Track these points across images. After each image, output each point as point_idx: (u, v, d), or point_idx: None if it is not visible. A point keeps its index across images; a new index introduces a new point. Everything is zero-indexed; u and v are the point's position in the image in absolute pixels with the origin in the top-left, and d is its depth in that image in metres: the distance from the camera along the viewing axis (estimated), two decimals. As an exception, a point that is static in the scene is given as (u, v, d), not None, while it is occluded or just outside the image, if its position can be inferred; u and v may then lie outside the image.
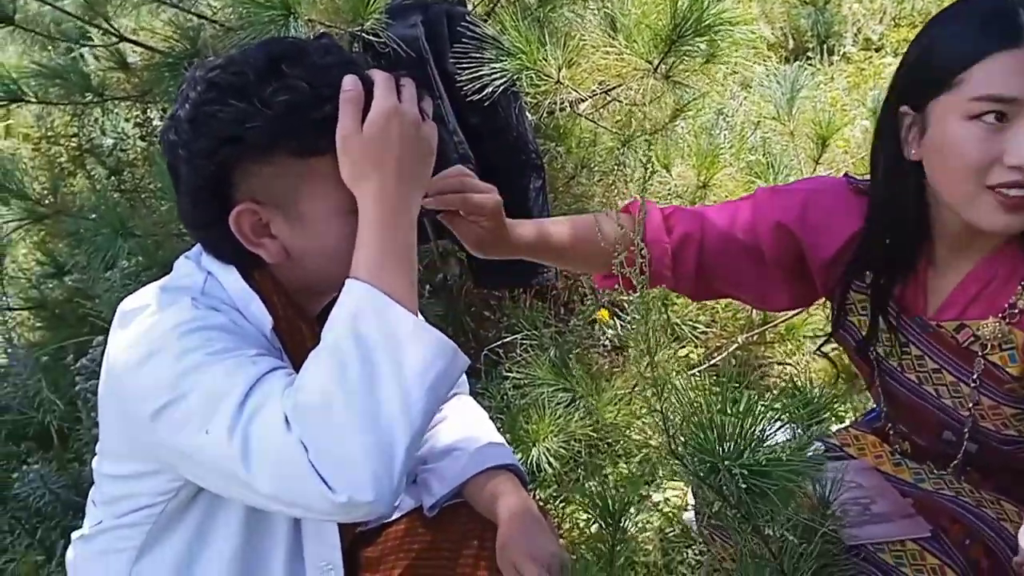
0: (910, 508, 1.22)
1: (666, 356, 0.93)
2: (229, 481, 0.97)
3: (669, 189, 2.52)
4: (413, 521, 1.33)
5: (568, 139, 2.47)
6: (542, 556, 1.17)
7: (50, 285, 2.64)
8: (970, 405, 1.22)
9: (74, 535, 1.27)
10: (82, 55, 2.68)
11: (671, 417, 0.85)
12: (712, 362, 2.30)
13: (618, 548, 0.99)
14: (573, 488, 2.09)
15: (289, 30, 1.47)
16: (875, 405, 1.44)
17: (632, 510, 0.99)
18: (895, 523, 1.19)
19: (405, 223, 1.03)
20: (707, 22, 1.68)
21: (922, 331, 1.24)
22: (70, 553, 1.26)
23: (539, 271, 1.88)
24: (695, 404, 0.84)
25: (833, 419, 1.65)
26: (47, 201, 2.28)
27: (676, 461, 0.84)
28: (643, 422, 2.18)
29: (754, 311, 2.40)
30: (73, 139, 3.06)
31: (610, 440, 2.15)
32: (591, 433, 1.99)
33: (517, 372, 1.97)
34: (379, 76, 1.06)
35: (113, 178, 2.91)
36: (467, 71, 1.58)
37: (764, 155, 2.63)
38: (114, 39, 2.37)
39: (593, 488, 1.94)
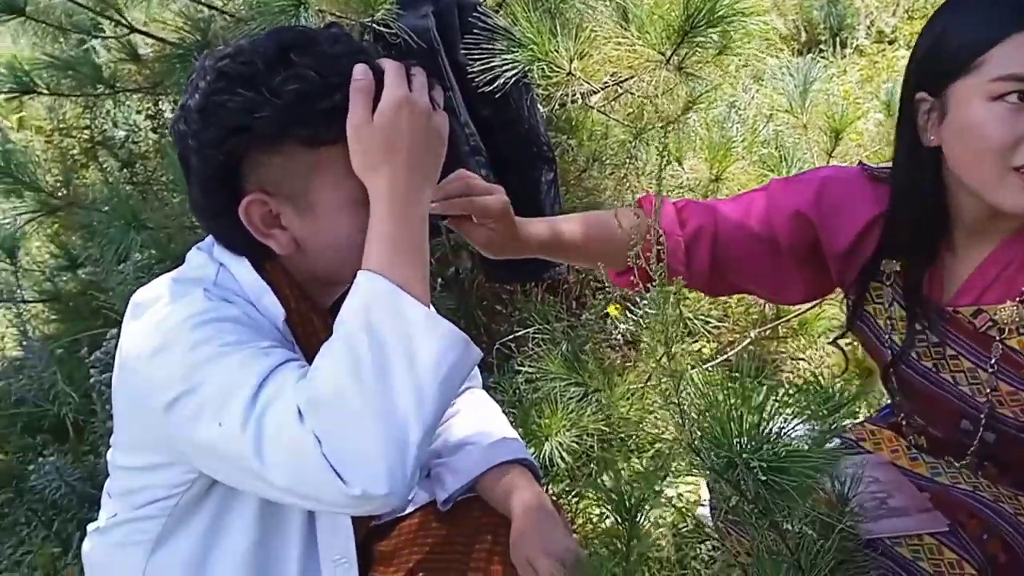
0: (927, 502, 1.22)
1: (679, 350, 0.92)
2: (243, 473, 0.97)
3: (681, 182, 2.51)
4: (427, 515, 1.32)
5: (580, 132, 2.45)
6: (556, 551, 1.16)
7: (64, 278, 2.66)
8: (988, 391, 1.21)
9: (90, 527, 1.27)
10: (94, 47, 2.68)
11: (688, 411, 0.84)
12: (724, 357, 2.28)
13: (633, 544, 0.98)
14: (586, 483, 2.08)
15: (300, 20, 1.47)
16: (890, 399, 1.43)
17: (647, 506, 0.98)
18: (913, 517, 1.18)
19: (416, 214, 1.03)
20: (720, 13, 1.66)
21: (939, 318, 1.23)
22: (86, 545, 1.26)
23: (551, 265, 1.87)
24: (712, 398, 0.83)
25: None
26: (60, 193, 2.29)
27: (693, 455, 0.83)
28: (656, 416, 2.18)
29: (767, 306, 2.39)
30: (85, 131, 3.07)
31: (623, 435, 2.14)
32: (604, 428, 1.98)
33: (529, 366, 1.97)
34: (389, 65, 1.05)
35: (125, 170, 2.92)
36: (478, 62, 1.57)
37: (777, 148, 2.62)
38: (125, 31, 2.37)
39: (608, 483, 1.94)
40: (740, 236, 1.31)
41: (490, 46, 1.56)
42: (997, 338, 1.19)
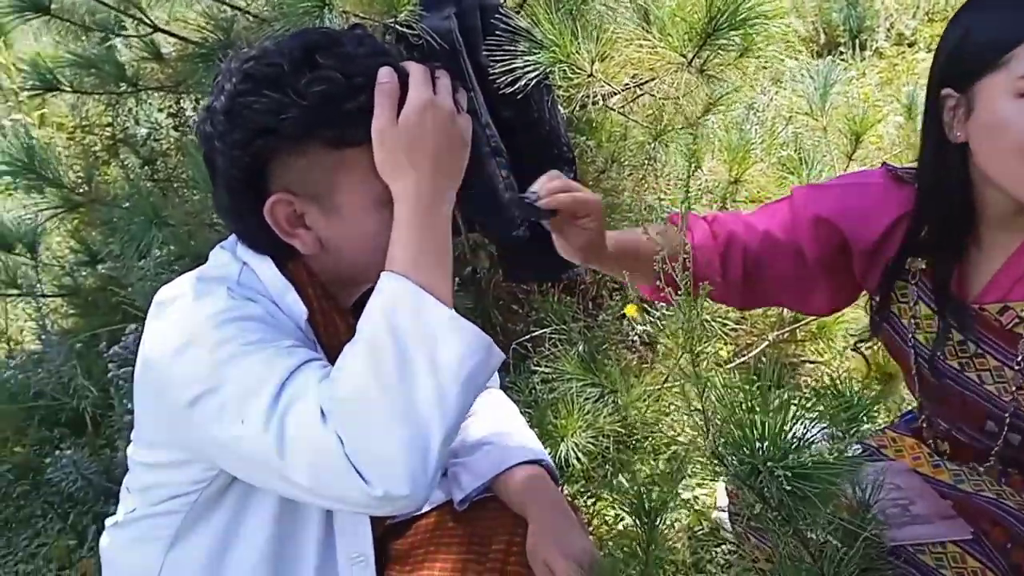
0: (951, 510, 1.21)
1: (699, 353, 0.92)
2: (265, 472, 0.98)
3: (700, 185, 2.51)
4: (443, 514, 1.33)
5: (599, 133, 2.45)
6: (573, 552, 1.16)
7: (83, 273, 2.68)
8: (1013, 389, 1.20)
9: (108, 522, 1.28)
10: (116, 45, 2.70)
11: (711, 417, 0.84)
12: (742, 360, 2.28)
13: (652, 548, 0.98)
14: (602, 484, 2.08)
15: (324, 21, 1.47)
16: (912, 399, 1.42)
17: (667, 509, 0.98)
18: (935, 524, 1.18)
19: (440, 216, 1.03)
20: (742, 15, 1.65)
21: (965, 315, 1.23)
22: (104, 539, 1.27)
23: (569, 265, 1.86)
24: (735, 403, 0.83)
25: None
26: (81, 190, 2.30)
27: (716, 461, 0.82)
28: (672, 419, 2.17)
29: (785, 309, 2.38)
30: (107, 128, 3.10)
31: (638, 436, 2.14)
32: (620, 429, 1.98)
33: (546, 366, 1.97)
34: (414, 68, 1.06)
35: (146, 168, 2.94)
36: (500, 64, 1.57)
37: (796, 151, 2.61)
38: (148, 30, 2.38)
39: (628, 486, 1.94)
40: (767, 246, 1.32)
41: (512, 47, 1.56)
42: None
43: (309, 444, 0.93)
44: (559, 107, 1.78)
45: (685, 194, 1.04)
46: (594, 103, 2.02)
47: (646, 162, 2.49)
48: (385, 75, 1.03)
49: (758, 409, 0.82)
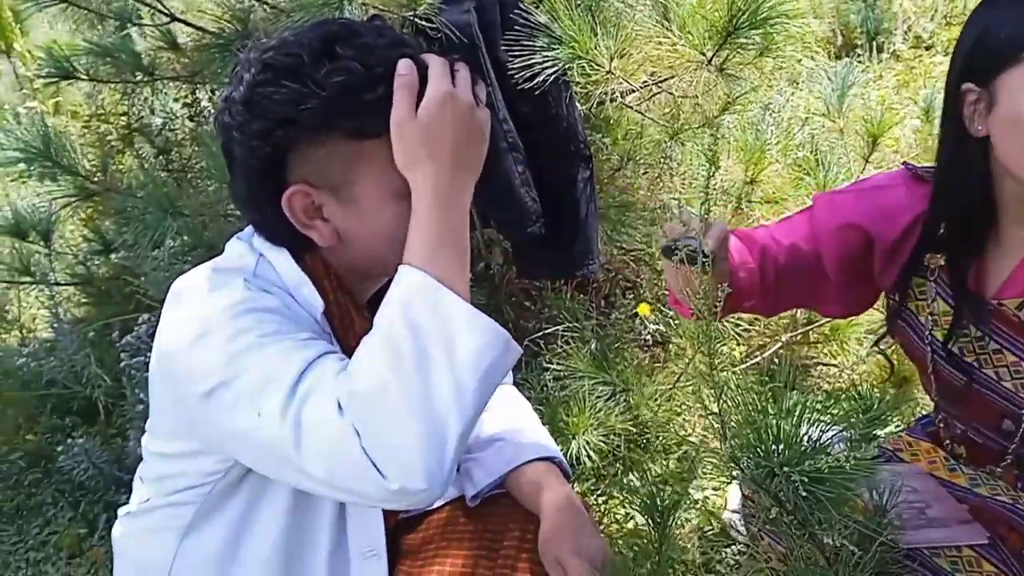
0: (967, 513, 1.21)
1: (715, 355, 0.91)
2: (280, 464, 0.97)
3: (715, 184, 2.49)
4: (455, 510, 1.32)
5: (615, 130, 2.44)
6: (586, 551, 1.16)
7: (97, 262, 2.68)
8: None
9: (120, 511, 1.28)
10: (132, 34, 2.70)
11: (728, 420, 0.84)
12: (754, 361, 2.27)
13: (665, 548, 0.97)
14: (613, 483, 2.08)
15: (343, 12, 1.47)
16: (927, 404, 1.41)
17: (680, 510, 0.98)
18: (952, 528, 1.17)
19: (458, 209, 1.03)
20: (763, 14, 1.65)
21: (983, 310, 1.22)
22: (116, 529, 1.27)
23: (583, 263, 1.86)
24: (752, 406, 0.82)
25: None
26: (96, 178, 2.30)
27: (732, 464, 0.82)
28: (684, 419, 2.16)
29: (799, 310, 2.37)
30: (122, 117, 3.10)
31: (649, 436, 2.14)
32: (631, 428, 1.97)
33: (557, 364, 1.97)
34: (434, 60, 1.05)
35: (161, 157, 2.95)
36: (518, 59, 1.56)
37: (813, 152, 2.60)
38: (165, 19, 2.38)
39: (638, 485, 1.93)
40: (793, 257, 1.32)
41: (530, 43, 1.55)
42: None
43: (326, 437, 0.93)
44: (577, 103, 1.77)
45: (705, 195, 1.03)
46: (612, 100, 2.01)
47: (661, 161, 2.48)
48: (404, 67, 1.02)
49: (774, 412, 0.82)
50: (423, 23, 1.53)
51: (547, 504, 1.24)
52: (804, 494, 0.75)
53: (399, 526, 1.33)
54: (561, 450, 1.76)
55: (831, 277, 1.32)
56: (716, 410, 0.84)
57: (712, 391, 0.85)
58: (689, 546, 1.88)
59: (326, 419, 0.93)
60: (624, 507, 2.03)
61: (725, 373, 0.91)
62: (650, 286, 2.54)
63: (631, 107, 2.34)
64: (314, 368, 0.97)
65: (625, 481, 2.06)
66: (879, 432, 0.84)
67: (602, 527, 1.99)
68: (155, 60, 2.57)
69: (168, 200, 2.01)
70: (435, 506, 1.33)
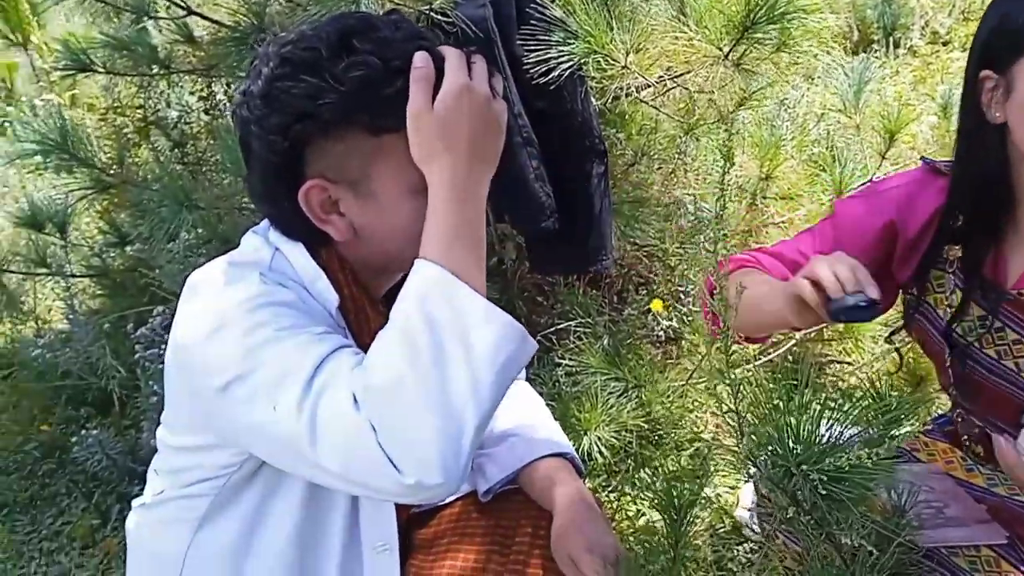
0: (985, 513, 1.20)
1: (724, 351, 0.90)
2: (296, 458, 0.97)
3: (730, 180, 2.48)
4: (467, 505, 1.33)
5: (629, 125, 2.43)
6: (598, 547, 1.16)
7: (112, 254, 2.69)
8: None
9: (135, 503, 1.28)
10: (148, 27, 2.71)
11: (745, 418, 0.83)
12: (768, 358, 2.26)
13: (680, 546, 0.97)
14: (624, 479, 2.07)
15: (360, 7, 1.47)
16: (944, 404, 1.40)
17: (696, 507, 0.97)
18: (970, 528, 1.16)
19: (475, 201, 1.02)
20: (781, 9, 1.64)
21: (1001, 300, 1.22)
22: (130, 520, 1.28)
23: (596, 258, 1.85)
24: (769, 405, 0.82)
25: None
26: (112, 171, 2.31)
27: (749, 463, 0.81)
28: (696, 415, 2.15)
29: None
30: (139, 110, 3.11)
31: (662, 432, 2.13)
32: (643, 424, 1.97)
33: (570, 360, 1.96)
34: (450, 53, 1.05)
35: (177, 150, 2.96)
36: (534, 53, 1.55)
37: (829, 148, 2.58)
38: (181, 12, 2.38)
39: (650, 481, 1.93)
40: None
41: (546, 37, 1.55)
42: None
43: (341, 431, 0.93)
44: (592, 98, 1.77)
45: (719, 190, 1.02)
46: (627, 95, 2.00)
47: (676, 156, 2.47)
48: (420, 60, 1.02)
49: (790, 411, 0.81)
50: (439, 17, 1.52)
51: (559, 500, 1.24)
52: (823, 492, 0.75)
53: (411, 520, 1.34)
54: (573, 446, 1.76)
55: None
56: (733, 407, 0.84)
57: (728, 388, 0.85)
58: (701, 543, 1.88)
59: (342, 413, 0.93)
60: (636, 503, 2.02)
61: (739, 370, 0.90)
62: (663, 282, 2.54)
63: (646, 102, 2.33)
64: (330, 362, 0.97)
65: (637, 478, 2.06)
66: (897, 432, 0.83)
67: (614, 523, 1.99)
68: (171, 53, 2.58)
69: (183, 193, 2.01)
70: (447, 501, 1.33)
